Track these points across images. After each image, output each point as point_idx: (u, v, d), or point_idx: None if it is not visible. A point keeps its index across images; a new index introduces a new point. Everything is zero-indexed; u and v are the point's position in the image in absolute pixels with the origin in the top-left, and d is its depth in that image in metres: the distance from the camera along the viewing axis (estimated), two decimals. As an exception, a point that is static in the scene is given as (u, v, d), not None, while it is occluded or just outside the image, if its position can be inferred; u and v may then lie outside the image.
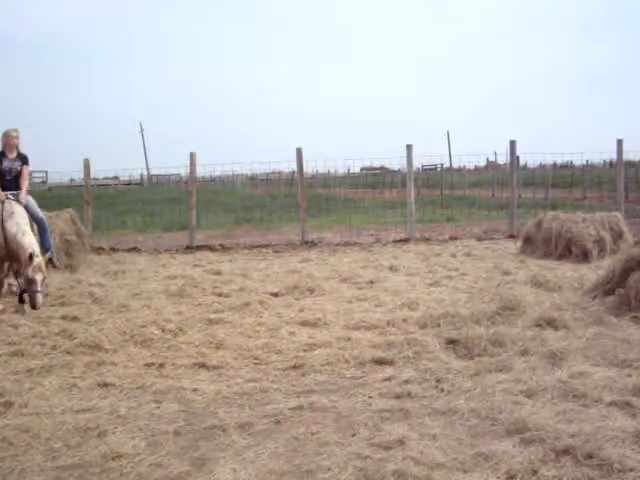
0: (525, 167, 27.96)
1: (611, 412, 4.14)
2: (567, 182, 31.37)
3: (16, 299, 7.81)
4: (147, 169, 49.22)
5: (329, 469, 3.56)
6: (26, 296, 7.50)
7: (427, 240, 14.13)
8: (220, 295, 8.39)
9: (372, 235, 15.16)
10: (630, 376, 4.81)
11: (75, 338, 6.28)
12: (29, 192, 8.50)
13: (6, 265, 8.11)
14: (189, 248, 14.03)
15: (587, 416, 4.09)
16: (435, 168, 40.48)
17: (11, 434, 4.13)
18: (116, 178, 42.46)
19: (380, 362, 5.49)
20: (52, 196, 28.24)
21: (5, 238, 7.68)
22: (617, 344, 5.58)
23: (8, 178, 8.20)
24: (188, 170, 15.79)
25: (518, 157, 16.94)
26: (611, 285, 6.95)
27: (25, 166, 8.38)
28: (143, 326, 6.65)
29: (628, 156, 20.70)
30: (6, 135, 8.34)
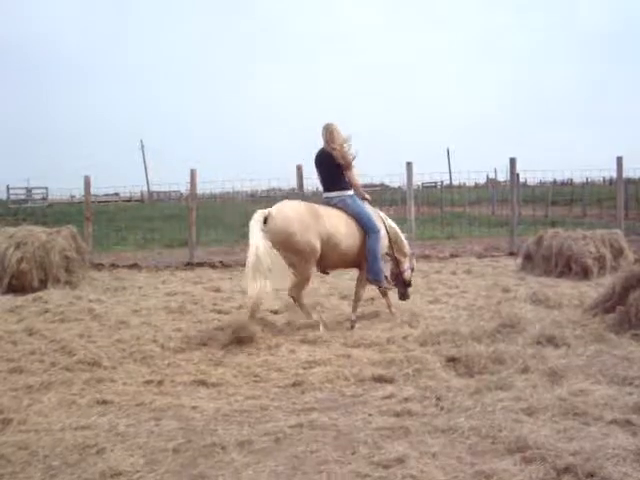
0: (525, 184, 28.02)
1: (612, 430, 4.12)
2: (567, 199, 31.46)
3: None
4: (147, 186, 49.33)
5: (329, 487, 3.54)
6: None
7: (427, 257, 14.13)
8: (220, 312, 8.38)
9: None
10: (631, 394, 4.79)
11: (74, 355, 6.27)
12: None
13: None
14: (189, 265, 14.02)
15: (588, 434, 4.07)
16: (435, 185, 40.59)
17: (9, 451, 4.11)
18: (116, 195, 42.54)
19: (380, 380, 5.47)
20: (52, 212, 28.30)
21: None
22: (617, 362, 5.57)
23: None
24: (188, 187, 15.84)
25: (518, 174, 16.99)
26: (611, 303, 6.94)
27: None
28: (142, 343, 6.64)
29: (628, 173, 20.74)
30: None
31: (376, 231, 7.62)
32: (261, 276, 6.68)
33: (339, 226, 7.38)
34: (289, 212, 7.13)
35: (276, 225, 6.97)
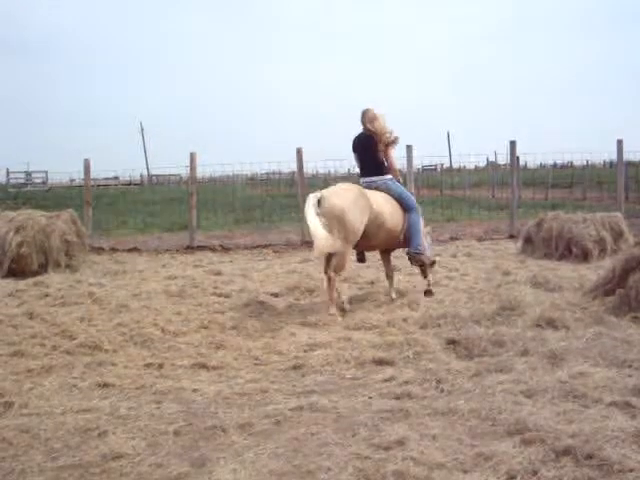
0: (525, 167, 27.98)
1: (611, 412, 4.13)
2: (567, 182, 31.40)
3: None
4: (147, 169, 49.24)
5: (329, 469, 3.56)
6: None
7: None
8: (220, 295, 8.39)
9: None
10: (630, 376, 4.80)
11: (75, 338, 6.28)
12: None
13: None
14: (189, 248, 14.02)
15: (587, 416, 4.08)
16: (435, 168, 40.51)
17: (11, 434, 4.13)
18: (116, 178, 42.55)
19: (380, 362, 5.49)
20: (52, 196, 28.29)
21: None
22: (617, 344, 5.57)
23: None
24: (188, 170, 15.81)
25: (518, 157, 16.97)
26: (611, 285, 6.94)
27: None
28: (143, 326, 6.65)
29: (628, 156, 20.76)
30: None
31: (415, 208, 8.06)
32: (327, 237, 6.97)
33: (385, 206, 7.66)
34: (341, 193, 7.37)
35: (329, 205, 7.17)
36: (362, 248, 8.06)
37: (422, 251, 7.98)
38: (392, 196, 7.85)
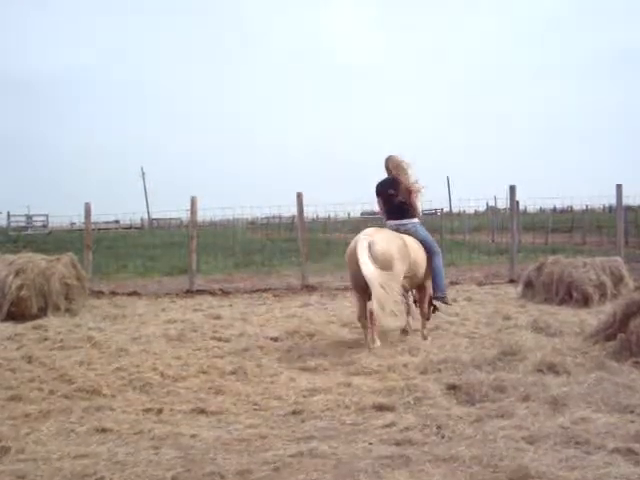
0: (525, 212, 28.06)
1: (614, 459, 4.09)
2: (567, 227, 31.52)
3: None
4: (148, 213, 49.34)
5: (329, 517, 3.52)
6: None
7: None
8: (220, 340, 8.36)
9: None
10: (633, 422, 4.77)
11: (73, 383, 6.25)
12: None
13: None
14: (189, 292, 14.00)
15: (590, 463, 4.04)
16: (435, 213, 40.61)
17: (7, 480, 4.09)
18: (117, 222, 42.64)
19: (381, 408, 5.45)
20: (52, 240, 28.34)
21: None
22: (619, 390, 5.54)
23: None
24: (189, 214, 15.87)
25: (518, 202, 17.04)
26: (612, 330, 6.92)
27: None
28: (142, 371, 6.61)
29: (627, 201, 20.83)
30: None
31: (439, 252, 8.40)
32: (388, 303, 7.23)
33: (419, 253, 8.05)
34: (389, 239, 7.69)
35: (380, 250, 7.43)
36: None
37: (445, 295, 8.37)
38: (417, 239, 8.17)
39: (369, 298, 7.35)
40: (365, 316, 7.58)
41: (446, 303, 8.50)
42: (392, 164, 8.29)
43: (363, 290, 7.49)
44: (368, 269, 7.18)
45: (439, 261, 8.30)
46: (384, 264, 7.35)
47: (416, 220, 8.30)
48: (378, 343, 7.43)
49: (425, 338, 8.07)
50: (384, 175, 8.47)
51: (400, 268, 7.54)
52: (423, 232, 8.31)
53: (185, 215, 21.18)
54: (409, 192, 8.18)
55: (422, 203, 8.67)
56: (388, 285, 7.23)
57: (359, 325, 8.16)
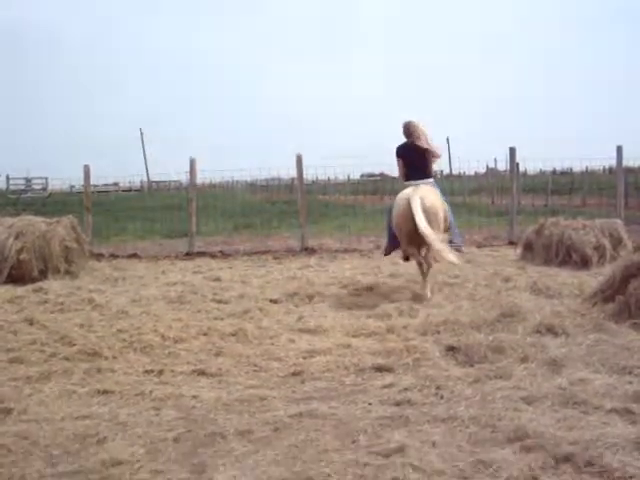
0: (525, 174, 27.93)
1: (611, 419, 4.13)
2: (567, 189, 31.38)
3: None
4: (147, 175, 49.13)
5: (328, 476, 3.56)
6: None
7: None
8: (220, 302, 8.38)
9: (372, 242, 15.11)
10: (630, 383, 4.80)
11: (74, 345, 6.27)
12: None
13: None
14: (189, 255, 14.00)
15: (587, 423, 4.08)
16: (435, 174, 40.48)
17: (10, 441, 4.12)
18: (116, 184, 42.49)
19: (380, 369, 5.48)
20: (52, 202, 28.30)
21: None
22: (617, 351, 5.57)
23: None
24: (188, 176, 15.81)
25: (518, 164, 16.95)
26: (611, 292, 6.94)
27: None
28: (142, 333, 6.65)
29: (628, 163, 20.69)
30: None
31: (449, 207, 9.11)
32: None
33: (443, 206, 8.76)
34: (433, 194, 8.59)
35: (427, 204, 8.23)
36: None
37: (461, 244, 9.28)
38: None
39: (418, 249, 8.44)
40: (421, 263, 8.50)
41: (461, 251, 9.07)
42: (412, 128, 8.88)
43: (416, 243, 8.38)
44: (426, 228, 7.93)
45: (452, 214, 9.09)
46: (432, 216, 8.17)
47: (432, 179, 9.13)
48: (429, 294, 8.24)
49: (431, 293, 8.42)
50: (400, 139, 9.08)
51: (442, 216, 8.45)
52: (438, 189, 9.03)
53: (184, 177, 21.10)
54: (429, 154, 8.92)
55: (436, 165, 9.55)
56: (440, 236, 8.14)
57: (357, 287, 8.32)
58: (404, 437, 4.00)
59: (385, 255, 9.80)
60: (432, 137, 9.03)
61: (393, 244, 9.22)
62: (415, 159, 8.89)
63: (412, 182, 8.76)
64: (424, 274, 8.48)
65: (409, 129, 8.92)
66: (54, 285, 9.51)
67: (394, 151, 9.14)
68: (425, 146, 8.80)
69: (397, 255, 10.97)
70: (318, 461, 3.76)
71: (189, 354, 6.11)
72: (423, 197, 8.21)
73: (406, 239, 8.49)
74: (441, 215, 8.42)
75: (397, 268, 10.61)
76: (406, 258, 9.16)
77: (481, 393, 4.75)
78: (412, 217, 8.01)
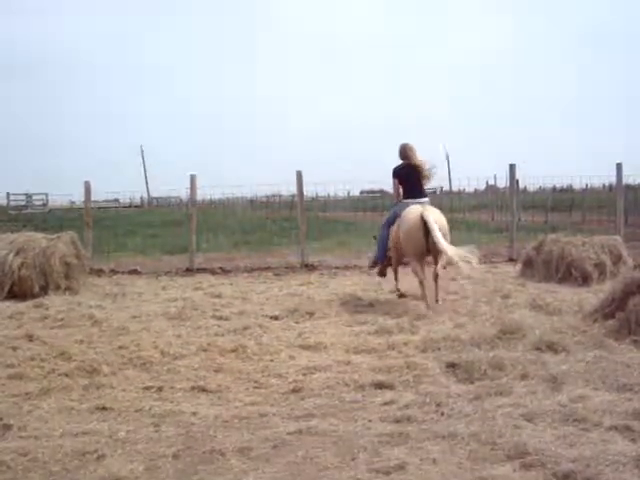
0: (525, 190, 27.98)
1: (612, 436, 4.12)
2: (567, 205, 31.41)
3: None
4: (147, 192, 49.33)
5: (328, 493, 3.55)
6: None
7: (427, 263, 14.09)
8: (220, 318, 8.37)
9: (370, 257, 15.07)
10: (630, 400, 4.80)
11: (74, 361, 6.27)
12: None
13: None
14: (189, 271, 14.01)
15: (588, 440, 4.07)
16: (435, 192, 40.58)
17: (9, 457, 4.11)
18: (117, 201, 42.63)
19: (380, 386, 5.47)
20: (52, 218, 28.34)
21: None
22: (617, 368, 5.57)
23: None
24: (189, 193, 15.84)
25: (518, 180, 17.02)
26: (611, 309, 6.94)
27: None
28: (142, 349, 6.64)
29: (627, 180, 20.75)
30: None
31: None
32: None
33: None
34: (439, 213, 9.12)
35: (441, 222, 8.84)
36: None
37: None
38: None
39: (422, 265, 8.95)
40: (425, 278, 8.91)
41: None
42: (408, 151, 9.48)
43: (423, 256, 8.96)
44: (445, 243, 8.51)
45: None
46: (443, 231, 8.67)
47: (427, 199, 9.62)
48: (430, 311, 8.40)
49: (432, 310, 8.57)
50: (396, 160, 9.68)
51: (447, 233, 8.91)
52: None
53: (185, 194, 21.15)
54: (423, 176, 9.50)
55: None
56: (452, 247, 8.58)
57: (357, 304, 8.30)
58: (404, 454, 3.99)
59: (370, 268, 10.52)
60: (424, 160, 9.59)
61: (380, 259, 9.82)
62: (412, 179, 9.47)
63: (410, 200, 9.27)
64: (424, 290, 8.77)
65: (406, 151, 9.50)
66: (54, 301, 9.52)
67: (391, 172, 9.70)
68: (424, 165, 9.46)
69: (392, 272, 10.99)
70: (318, 478, 3.76)
71: (189, 370, 6.10)
72: (434, 215, 8.75)
73: (416, 255, 8.90)
74: (447, 232, 8.88)
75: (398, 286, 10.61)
76: (382, 274, 10.02)
77: (481, 410, 4.74)
78: (426, 233, 8.55)
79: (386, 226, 9.69)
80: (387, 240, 9.61)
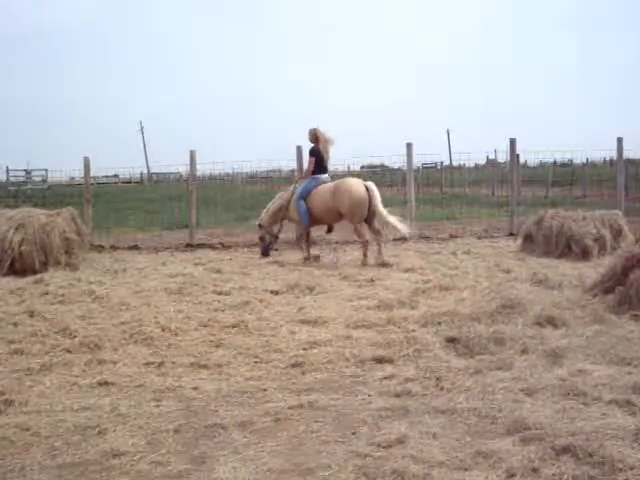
0: (525, 165, 27.88)
1: (611, 410, 4.14)
2: (567, 180, 31.31)
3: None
4: (147, 167, 49.16)
5: (329, 467, 3.57)
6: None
7: (427, 238, 14.12)
8: (220, 293, 8.38)
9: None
10: (630, 374, 4.81)
11: (75, 336, 6.29)
12: None
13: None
14: (189, 246, 14.02)
15: (587, 414, 4.09)
16: (435, 166, 40.44)
17: (11, 432, 4.14)
18: (116, 176, 42.40)
19: (380, 360, 5.49)
20: (52, 194, 28.26)
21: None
22: (617, 342, 5.58)
23: None
24: (188, 168, 15.79)
25: (518, 155, 16.93)
26: (611, 283, 6.94)
27: None
28: (143, 325, 6.65)
29: (628, 154, 20.66)
30: None
31: None
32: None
33: None
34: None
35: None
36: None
37: None
38: None
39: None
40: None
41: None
42: (320, 135, 11.24)
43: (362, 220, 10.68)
44: (383, 209, 10.64)
45: None
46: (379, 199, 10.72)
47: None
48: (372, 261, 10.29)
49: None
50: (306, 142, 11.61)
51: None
52: None
53: (184, 169, 21.04)
54: (328, 156, 11.49)
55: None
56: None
57: (357, 278, 8.26)
58: (404, 428, 4.01)
59: (297, 241, 11.77)
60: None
61: (305, 224, 11.26)
62: (324, 159, 11.31)
63: (323, 176, 11.28)
64: (366, 249, 10.58)
65: (318, 135, 11.26)
66: (55, 277, 9.52)
67: (309, 152, 11.42)
68: (329, 148, 11.38)
69: (396, 247, 11.01)
70: (318, 452, 3.78)
71: (190, 346, 6.11)
72: (372, 187, 10.65)
73: (361, 219, 10.66)
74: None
75: (397, 260, 10.63)
76: (266, 254, 11.79)
77: (481, 384, 4.76)
78: (370, 201, 10.50)
79: (301, 198, 11.10)
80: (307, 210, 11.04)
